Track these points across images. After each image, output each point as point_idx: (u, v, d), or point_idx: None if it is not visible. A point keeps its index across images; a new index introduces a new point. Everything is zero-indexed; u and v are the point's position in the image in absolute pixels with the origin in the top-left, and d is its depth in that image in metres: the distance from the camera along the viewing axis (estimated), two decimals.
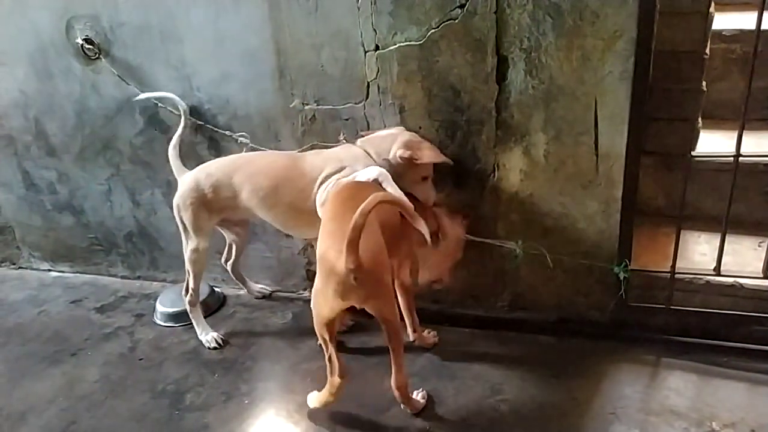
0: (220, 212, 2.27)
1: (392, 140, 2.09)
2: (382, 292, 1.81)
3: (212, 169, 2.26)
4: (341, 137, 2.21)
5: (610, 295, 2.24)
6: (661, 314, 2.22)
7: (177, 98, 2.43)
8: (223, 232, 2.53)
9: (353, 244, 1.66)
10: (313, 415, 2.04)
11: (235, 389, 2.20)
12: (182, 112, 2.42)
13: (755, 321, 2.11)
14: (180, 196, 2.28)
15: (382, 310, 1.83)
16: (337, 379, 1.91)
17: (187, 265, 2.37)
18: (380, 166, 2.04)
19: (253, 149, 2.40)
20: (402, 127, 2.17)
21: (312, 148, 2.30)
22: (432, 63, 2.12)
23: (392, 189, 1.99)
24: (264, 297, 2.73)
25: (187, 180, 2.29)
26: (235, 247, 2.58)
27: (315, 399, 2.02)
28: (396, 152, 2.05)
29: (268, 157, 2.26)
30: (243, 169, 2.20)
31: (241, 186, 2.18)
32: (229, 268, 2.65)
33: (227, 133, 2.43)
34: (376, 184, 2.00)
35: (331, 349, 1.89)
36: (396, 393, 1.93)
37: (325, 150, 2.22)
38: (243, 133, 2.41)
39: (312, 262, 2.59)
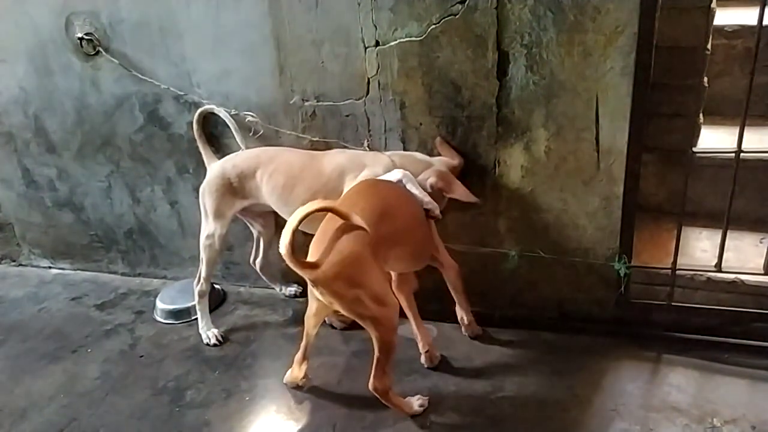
0: (243, 199, 2.31)
1: (426, 166, 2.12)
2: (347, 299, 1.78)
3: (237, 160, 2.31)
4: (365, 144, 2.22)
5: (611, 292, 2.24)
6: (662, 311, 2.21)
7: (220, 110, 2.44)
8: (248, 224, 2.55)
9: (289, 255, 1.66)
10: (314, 411, 2.05)
11: (236, 386, 2.20)
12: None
13: (756, 317, 2.11)
14: (206, 183, 2.35)
15: (355, 315, 1.82)
16: (298, 359, 2.13)
17: (201, 252, 2.39)
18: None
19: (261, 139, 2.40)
20: (442, 158, 2.19)
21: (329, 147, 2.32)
22: (432, 59, 2.11)
23: (417, 191, 2.03)
24: (296, 296, 2.71)
25: (214, 168, 2.35)
26: (262, 242, 2.58)
27: (287, 376, 2.16)
28: (430, 180, 2.07)
29: (287, 156, 2.27)
30: (264, 166, 2.24)
31: (261, 182, 2.24)
32: (258, 267, 2.64)
33: (233, 111, 2.41)
34: (400, 185, 2.03)
35: (304, 340, 2.10)
36: (375, 394, 1.90)
37: (348, 150, 2.26)
38: (251, 113, 2.40)
39: None
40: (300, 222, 1.66)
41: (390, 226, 1.87)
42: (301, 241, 1.86)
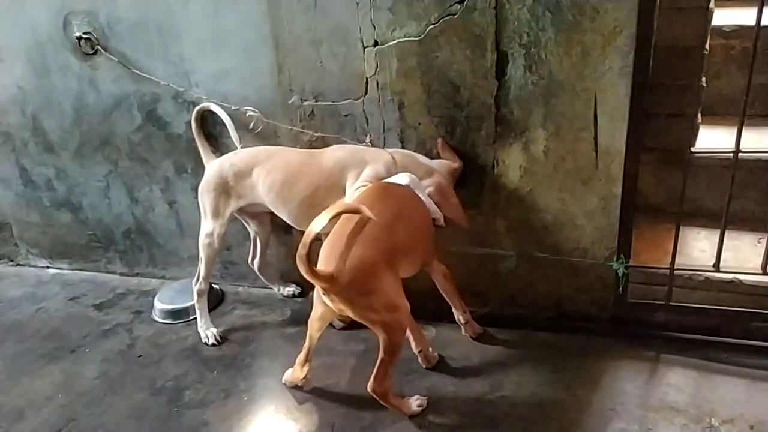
0: (239, 198, 2.30)
1: (426, 170, 2.10)
2: (359, 306, 1.78)
3: (235, 159, 2.31)
4: (368, 139, 2.23)
5: (609, 292, 2.24)
6: (661, 310, 2.22)
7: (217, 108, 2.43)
8: (245, 224, 2.55)
9: (304, 263, 1.64)
10: (312, 412, 2.05)
11: (234, 386, 2.20)
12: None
13: (754, 317, 2.11)
14: (204, 182, 2.35)
15: (366, 321, 1.82)
16: (300, 360, 2.10)
17: (200, 251, 2.40)
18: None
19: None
20: (443, 161, 2.18)
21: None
22: (431, 59, 2.11)
23: (424, 198, 2.02)
24: (294, 296, 2.71)
25: (212, 167, 2.35)
26: (259, 242, 2.58)
27: (287, 376, 2.15)
28: (428, 191, 2.05)
29: (286, 154, 2.27)
30: (262, 164, 2.24)
31: (258, 180, 2.24)
32: (256, 267, 2.64)
33: (233, 107, 2.41)
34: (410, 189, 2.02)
35: (307, 343, 2.08)
36: (374, 396, 1.90)
37: (348, 145, 2.26)
38: (251, 108, 2.39)
39: None
40: (317, 233, 1.64)
41: (406, 231, 1.87)
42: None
